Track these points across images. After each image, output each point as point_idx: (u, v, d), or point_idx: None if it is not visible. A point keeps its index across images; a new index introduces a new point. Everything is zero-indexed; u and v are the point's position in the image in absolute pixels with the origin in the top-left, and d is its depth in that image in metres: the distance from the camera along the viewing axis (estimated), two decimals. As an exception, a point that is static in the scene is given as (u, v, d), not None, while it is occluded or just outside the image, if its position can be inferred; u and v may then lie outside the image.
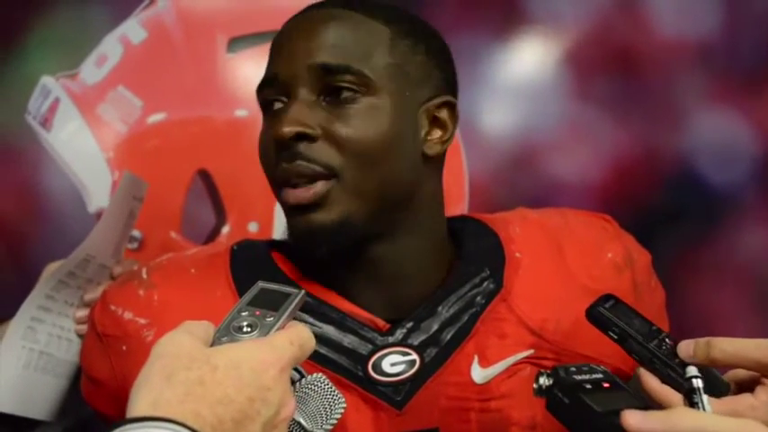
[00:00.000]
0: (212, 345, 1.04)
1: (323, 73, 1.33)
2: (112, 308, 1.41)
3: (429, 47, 1.38)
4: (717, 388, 1.20)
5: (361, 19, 1.36)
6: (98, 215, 1.83)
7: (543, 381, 1.10)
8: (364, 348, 1.35)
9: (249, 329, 1.06)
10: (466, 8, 2.61)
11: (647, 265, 1.48)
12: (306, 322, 1.35)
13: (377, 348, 1.35)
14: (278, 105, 1.36)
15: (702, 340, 1.19)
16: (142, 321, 1.38)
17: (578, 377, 1.09)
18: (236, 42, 1.84)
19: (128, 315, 1.39)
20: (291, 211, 1.35)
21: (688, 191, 2.61)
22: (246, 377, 1.00)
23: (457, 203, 1.92)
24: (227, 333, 1.05)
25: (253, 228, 1.82)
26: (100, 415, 1.44)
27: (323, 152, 1.32)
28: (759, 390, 1.18)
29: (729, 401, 1.17)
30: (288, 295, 1.10)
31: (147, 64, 1.86)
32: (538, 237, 1.43)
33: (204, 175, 1.84)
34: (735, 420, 1.01)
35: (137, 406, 0.97)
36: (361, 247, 1.35)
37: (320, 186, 1.32)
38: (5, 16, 2.43)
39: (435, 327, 1.36)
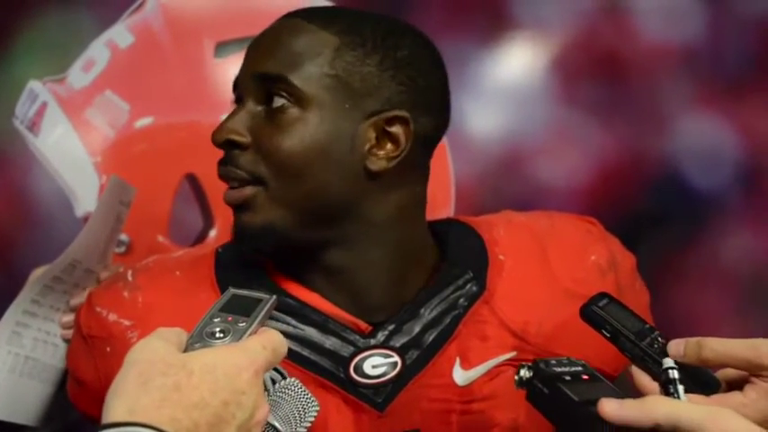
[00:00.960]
0: (185, 351, 1.05)
1: (262, 81, 1.37)
2: (98, 309, 1.42)
3: (386, 58, 1.36)
4: (707, 385, 1.22)
5: (311, 29, 1.37)
6: (86, 219, 1.83)
7: (524, 373, 1.12)
8: (346, 350, 1.36)
9: (222, 335, 1.07)
10: (452, 13, 2.62)
11: (631, 267, 1.49)
12: (288, 324, 1.37)
13: (358, 350, 1.36)
14: (235, 104, 1.41)
15: (693, 340, 1.21)
16: (126, 323, 1.40)
17: (558, 369, 1.11)
18: (224, 47, 1.85)
19: (112, 317, 1.41)
20: (232, 210, 1.40)
21: (673, 195, 2.62)
22: (221, 381, 1.02)
23: (443, 208, 1.93)
24: (200, 339, 1.07)
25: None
26: (86, 416, 1.45)
27: (250, 160, 1.36)
28: (748, 388, 1.19)
29: (719, 399, 1.19)
30: (259, 301, 1.11)
31: (134, 68, 1.87)
32: (522, 239, 1.44)
33: (191, 179, 1.84)
34: (707, 408, 1.04)
35: (113, 412, 0.99)
36: (315, 255, 1.38)
37: (248, 191, 1.37)
38: (-7, 21, 2.43)
39: (417, 329, 1.37)
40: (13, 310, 1.57)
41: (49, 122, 1.84)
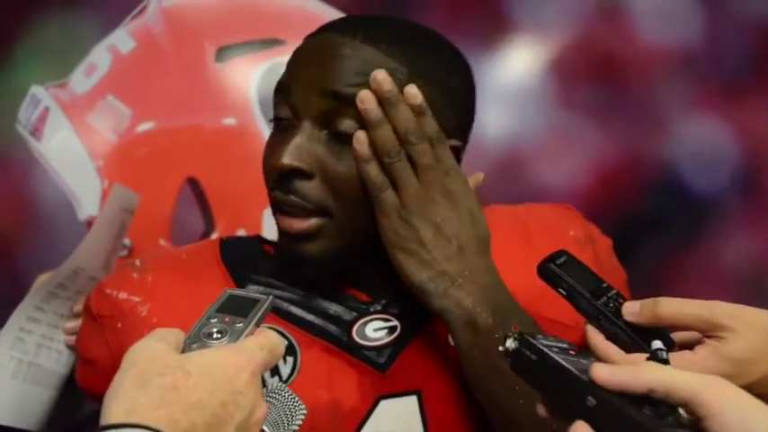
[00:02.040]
0: (183, 351, 1.06)
1: (331, 101, 1.34)
2: (108, 291, 1.44)
3: (444, 88, 1.37)
4: (662, 344, 1.21)
5: (379, 57, 1.35)
6: (88, 223, 1.84)
7: (510, 343, 1.10)
8: (348, 315, 1.40)
9: (219, 336, 1.08)
10: (452, 16, 2.63)
11: (608, 247, 1.53)
12: (293, 293, 1.40)
13: (360, 315, 1.40)
14: (286, 123, 1.37)
15: (649, 300, 1.22)
16: (136, 299, 1.41)
17: (545, 342, 1.11)
18: (225, 51, 1.85)
19: (122, 295, 1.42)
20: (282, 236, 1.38)
21: (671, 197, 2.63)
22: (219, 382, 1.02)
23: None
24: (197, 340, 1.07)
25: (241, 235, 1.83)
26: (95, 396, 1.46)
27: (317, 191, 1.34)
28: (699, 347, 1.20)
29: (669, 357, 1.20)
30: (256, 301, 1.12)
31: (135, 73, 1.87)
32: (505, 220, 1.48)
33: (193, 183, 1.85)
34: (704, 376, 1.04)
35: (111, 413, 0.99)
36: (345, 268, 1.40)
37: (314, 222, 1.35)
38: (-5, 27, 2.44)
39: (412, 297, 1.40)
40: (17, 317, 1.58)
41: (51, 127, 1.85)
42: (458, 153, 1.39)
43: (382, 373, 1.39)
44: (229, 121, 1.82)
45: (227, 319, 1.09)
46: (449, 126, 1.37)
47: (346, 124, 1.34)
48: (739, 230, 2.65)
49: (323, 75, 1.35)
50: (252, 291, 1.15)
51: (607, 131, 2.63)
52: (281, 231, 1.38)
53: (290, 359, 1.38)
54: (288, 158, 1.33)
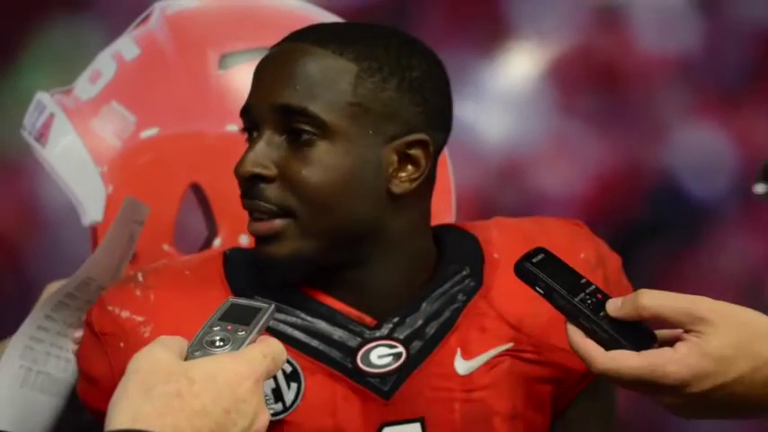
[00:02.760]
0: (186, 359, 1.07)
1: (283, 113, 1.37)
2: (110, 308, 1.44)
3: (402, 81, 1.38)
4: (642, 341, 1.21)
5: (329, 57, 1.37)
6: (92, 228, 1.85)
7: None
8: (353, 341, 1.40)
9: (222, 344, 1.08)
10: (452, 23, 2.64)
11: (617, 266, 1.52)
12: (298, 317, 1.40)
13: (365, 341, 1.40)
14: (254, 135, 1.40)
15: (631, 294, 1.23)
16: (139, 319, 1.42)
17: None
18: (228, 58, 1.86)
19: (125, 314, 1.43)
20: (255, 240, 1.41)
21: (670, 204, 2.64)
22: (223, 389, 1.03)
23: (444, 216, 1.95)
24: (200, 347, 1.08)
25: (244, 241, 1.84)
26: (97, 415, 1.47)
27: (278, 193, 1.37)
28: (679, 344, 1.20)
29: (649, 354, 1.19)
30: (258, 309, 1.13)
31: (140, 80, 1.88)
32: (515, 239, 1.47)
33: (196, 189, 1.86)
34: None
35: (116, 420, 1.00)
36: (335, 271, 1.41)
37: (277, 223, 1.38)
38: (0, 34, 2.45)
39: (420, 322, 1.41)
40: (27, 326, 1.58)
41: (56, 133, 1.86)
42: (425, 146, 1.39)
43: (386, 401, 1.39)
44: (232, 127, 1.83)
45: (229, 327, 1.10)
46: (413, 119, 1.38)
47: (302, 127, 1.36)
48: (737, 237, 2.66)
49: (275, 87, 1.38)
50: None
51: (606, 138, 2.64)
52: (252, 236, 1.40)
53: (293, 385, 1.39)
54: (248, 165, 1.37)
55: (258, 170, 1.37)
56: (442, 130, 1.43)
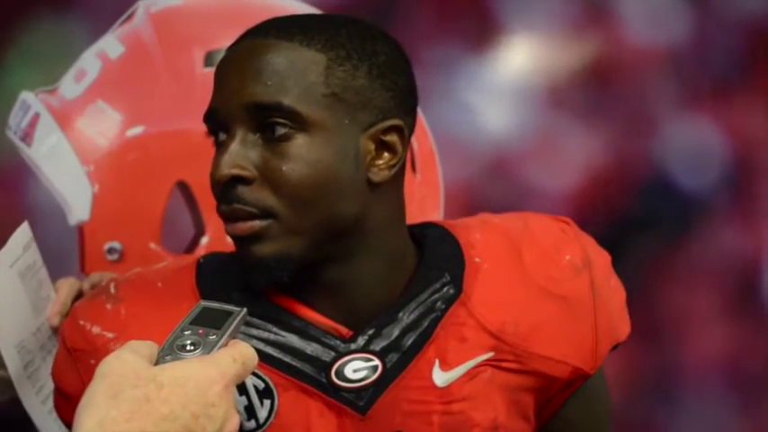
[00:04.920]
0: (156, 363, 1.06)
1: (257, 110, 1.33)
2: (81, 323, 1.42)
3: (371, 67, 1.36)
4: None
5: (296, 49, 1.34)
6: (79, 228, 1.85)
7: None
8: (327, 356, 1.37)
9: (193, 348, 1.08)
10: (440, 18, 2.64)
11: (605, 265, 1.50)
12: (270, 331, 1.38)
13: (339, 355, 1.37)
14: (222, 137, 1.37)
15: None
16: (110, 335, 1.40)
17: None
18: (213, 56, 1.86)
19: (96, 329, 1.41)
20: (234, 241, 1.38)
21: (661, 196, 2.64)
22: (191, 394, 1.02)
23: (432, 212, 1.95)
24: (170, 352, 1.07)
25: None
26: (71, 427, 1.46)
27: (259, 194, 1.33)
28: None
29: None
30: (230, 313, 1.12)
31: (125, 78, 1.88)
32: (497, 241, 1.45)
33: (183, 187, 1.86)
34: None
35: (82, 426, 1.00)
36: (312, 271, 1.38)
37: (257, 224, 1.34)
38: (-16, 33, 2.44)
39: (396, 332, 1.39)
40: (23, 390, 1.57)
41: (41, 133, 1.86)
42: (400, 131, 1.38)
43: (362, 416, 1.37)
44: (219, 124, 1.82)
45: (200, 332, 1.09)
46: (386, 104, 1.36)
47: (277, 121, 1.33)
48: (729, 230, 2.66)
49: (243, 85, 1.34)
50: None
51: (596, 132, 2.64)
52: (232, 237, 1.36)
53: (266, 402, 1.37)
54: (225, 168, 1.33)
55: (236, 171, 1.33)
56: (411, 114, 1.41)
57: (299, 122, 1.33)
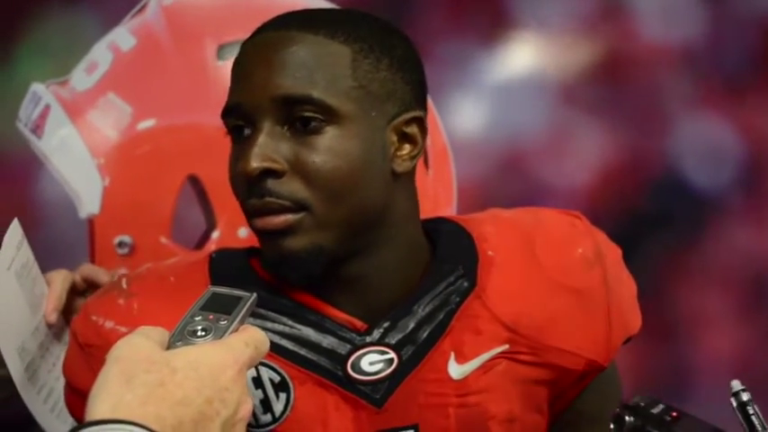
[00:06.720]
0: (167, 349, 1.05)
1: (286, 103, 1.32)
2: (93, 318, 1.41)
3: (392, 59, 1.37)
4: None
5: (322, 41, 1.34)
6: (89, 221, 1.85)
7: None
8: (343, 348, 1.37)
9: (204, 333, 1.07)
10: (454, 14, 2.63)
11: (617, 259, 1.50)
12: (285, 324, 1.37)
13: (355, 348, 1.37)
14: (246, 132, 1.35)
15: None
16: (123, 330, 1.38)
17: (652, 409, 1.11)
18: (226, 49, 1.85)
19: (108, 324, 1.40)
20: (262, 235, 1.36)
21: (674, 194, 2.63)
22: (205, 378, 1.02)
23: (446, 207, 1.94)
24: (181, 338, 1.07)
25: (242, 233, 1.83)
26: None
27: (291, 187, 1.33)
28: None
29: None
30: (239, 299, 1.11)
31: (136, 71, 1.88)
32: (510, 235, 1.45)
33: (194, 181, 1.85)
34: None
35: (96, 410, 0.98)
36: (335, 266, 1.37)
37: (291, 218, 1.33)
38: (-4, 25, 2.44)
39: (412, 325, 1.38)
40: (27, 395, 1.56)
41: (52, 125, 1.85)
42: (420, 122, 1.38)
43: (378, 409, 1.36)
44: (230, 118, 1.81)
45: (211, 317, 1.08)
46: (406, 96, 1.37)
47: (308, 115, 1.32)
48: (742, 228, 2.65)
49: (270, 78, 1.33)
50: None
51: (609, 129, 2.63)
52: (261, 232, 1.35)
53: (282, 395, 1.36)
54: (256, 161, 1.32)
55: (268, 164, 1.32)
56: (425, 107, 1.41)
57: (330, 115, 1.33)
